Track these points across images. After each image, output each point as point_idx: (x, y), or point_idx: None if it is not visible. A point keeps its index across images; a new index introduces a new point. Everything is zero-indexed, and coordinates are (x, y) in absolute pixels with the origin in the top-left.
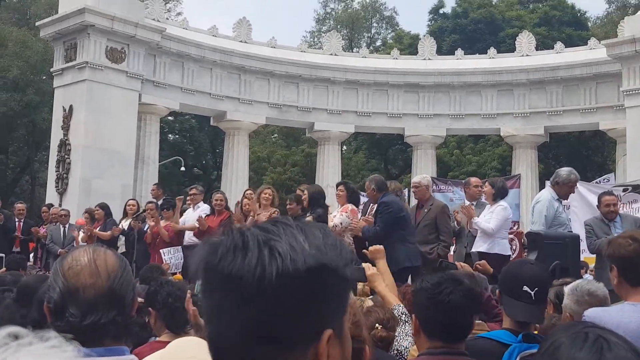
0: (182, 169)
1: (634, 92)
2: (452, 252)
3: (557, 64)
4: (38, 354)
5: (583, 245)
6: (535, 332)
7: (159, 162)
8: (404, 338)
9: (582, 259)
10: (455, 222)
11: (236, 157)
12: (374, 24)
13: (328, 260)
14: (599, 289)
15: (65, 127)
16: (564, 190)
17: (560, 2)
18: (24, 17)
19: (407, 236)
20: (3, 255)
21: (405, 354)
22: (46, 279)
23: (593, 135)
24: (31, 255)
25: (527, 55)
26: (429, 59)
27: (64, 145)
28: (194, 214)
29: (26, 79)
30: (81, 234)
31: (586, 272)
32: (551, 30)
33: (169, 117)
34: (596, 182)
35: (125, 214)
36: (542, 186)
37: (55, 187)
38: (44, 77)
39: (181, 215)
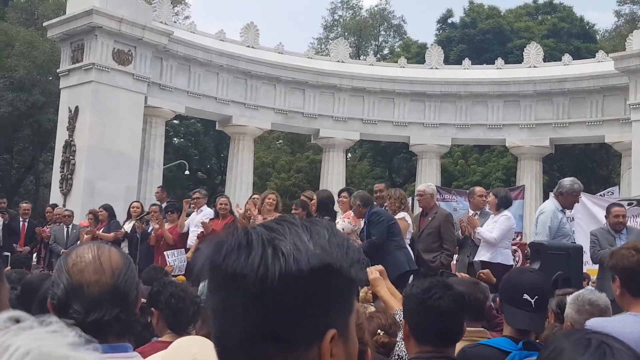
0: (187, 172)
1: None
2: (455, 261)
3: (565, 76)
4: (38, 337)
5: (586, 257)
6: (537, 340)
7: (164, 165)
8: None
9: (584, 270)
10: (460, 232)
11: (241, 162)
12: (382, 32)
13: (332, 260)
14: (601, 299)
15: (71, 128)
16: (568, 201)
17: (569, 14)
18: (31, 17)
19: (400, 242)
20: (9, 254)
21: None
22: (49, 277)
23: (598, 148)
24: (34, 255)
25: (534, 66)
26: (436, 68)
27: (68, 146)
28: (197, 218)
29: (32, 79)
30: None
31: (588, 284)
32: (559, 42)
33: (175, 121)
34: (600, 195)
35: (129, 216)
36: (546, 198)
37: (60, 187)
38: (50, 78)
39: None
